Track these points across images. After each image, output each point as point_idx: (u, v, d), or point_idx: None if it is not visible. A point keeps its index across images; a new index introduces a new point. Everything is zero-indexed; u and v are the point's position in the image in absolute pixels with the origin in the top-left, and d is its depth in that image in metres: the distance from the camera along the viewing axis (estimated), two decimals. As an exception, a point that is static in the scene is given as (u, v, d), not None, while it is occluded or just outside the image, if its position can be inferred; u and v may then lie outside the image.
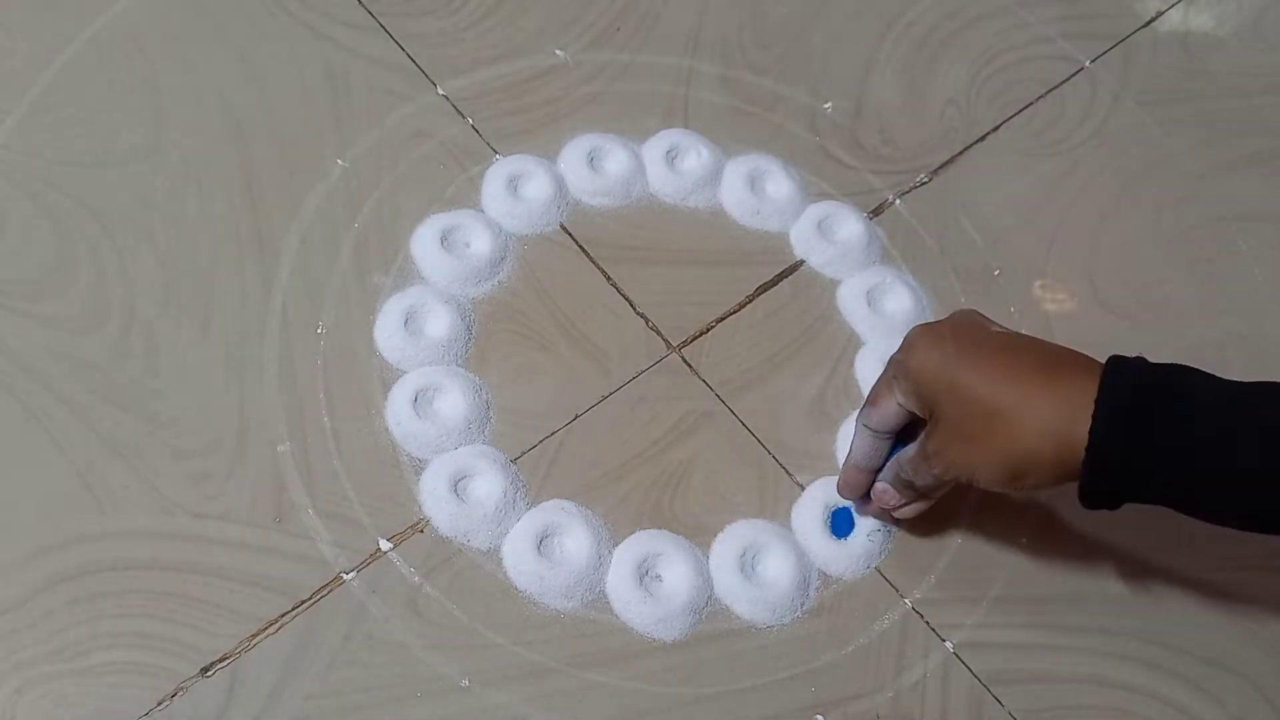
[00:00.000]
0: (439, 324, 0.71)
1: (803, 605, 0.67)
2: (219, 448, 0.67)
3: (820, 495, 0.69)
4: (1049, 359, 0.59)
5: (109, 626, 0.61)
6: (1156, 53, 0.91)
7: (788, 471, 0.71)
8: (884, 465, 0.66)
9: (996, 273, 0.80)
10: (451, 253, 0.74)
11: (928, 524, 0.69)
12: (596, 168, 0.78)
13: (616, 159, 0.79)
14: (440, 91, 0.80)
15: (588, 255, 0.76)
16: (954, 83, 0.87)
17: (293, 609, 0.63)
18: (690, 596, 0.66)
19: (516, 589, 0.65)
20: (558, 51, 0.83)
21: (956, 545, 0.70)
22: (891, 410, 0.63)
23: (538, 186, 0.77)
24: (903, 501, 0.66)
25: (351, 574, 0.64)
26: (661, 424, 0.71)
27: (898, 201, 0.81)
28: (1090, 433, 0.55)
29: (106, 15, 0.79)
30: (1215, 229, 0.84)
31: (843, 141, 0.83)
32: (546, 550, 0.66)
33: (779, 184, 0.80)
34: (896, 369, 0.62)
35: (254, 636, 0.62)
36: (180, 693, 0.60)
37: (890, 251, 0.80)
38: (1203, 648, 0.69)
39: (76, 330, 0.69)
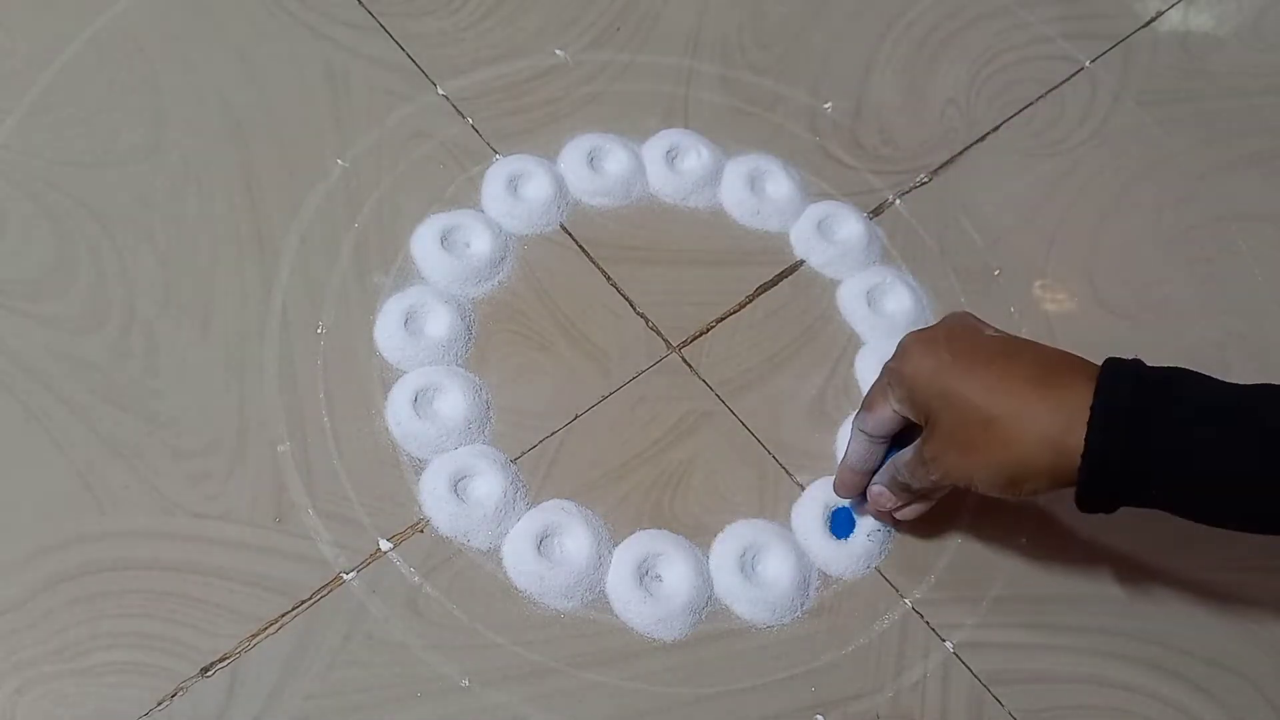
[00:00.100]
0: (439, 324, 0.71)
1: (803, 605, 0.67)
2: (219, 448, 0.67)
3: (820, 495, 0.69)
4: (1044, 364, 0.59)
5: (109, 626, 0.61)
6: (1156, 53, 0.91)
7: (788, 471, 0.71)
8: (879, 468, 0.66)
9: (996, 273, 0.80)
10: (451, 253, 0.74)
11: (927, 524, 0.69)
12: (596, 168, 0.78)
13: (616, 159, 0.79)
14: (440, 91, 0.80)
15: (588, 255, 0.76)
16: (954, 83, 0.87)
17: (293, 609, 0.63)
18: (690, 596, 0.66)
19: (516, 589, 0.65)
20: (558, 51, 0.83)
21: (956, 545, 0.70)
22: (887, 416, 0.63)
23: (538, 186, 0.77)
24: (899, 504, 0.66)
25: (351, 574, 0.64)
26: (661, 424, 0.71)
27: (898, 201, 0.81)
28: (1086, 439, 0.55)
29: (106, 15, 0.79)
30: (1215, 229, 0.84)
31: (843, 141, 0.83)
32: (546, 550, 0.66)
33: (779, 184, 0.80)
34: (891, 376, 0.62)
35: (254, 636, 0.62)
36: (180, 693, 0.60)
37: (890, 251, 0.80)
38: (1203, 648, 0.69)
39: (76, 330, 0.69)
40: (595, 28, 0.85)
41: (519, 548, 0.66)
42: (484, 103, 0.80)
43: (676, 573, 0.67)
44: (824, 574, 0.69)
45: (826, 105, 0.84)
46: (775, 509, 0.70)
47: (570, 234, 0.77)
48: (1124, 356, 0.58)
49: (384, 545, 0.65)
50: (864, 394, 0.66)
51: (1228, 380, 0.57)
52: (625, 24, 0.85)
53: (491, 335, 0.72)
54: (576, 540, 0.66)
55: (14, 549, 0.62)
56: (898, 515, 0.67)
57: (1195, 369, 0.57)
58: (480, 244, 0.74)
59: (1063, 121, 0.87)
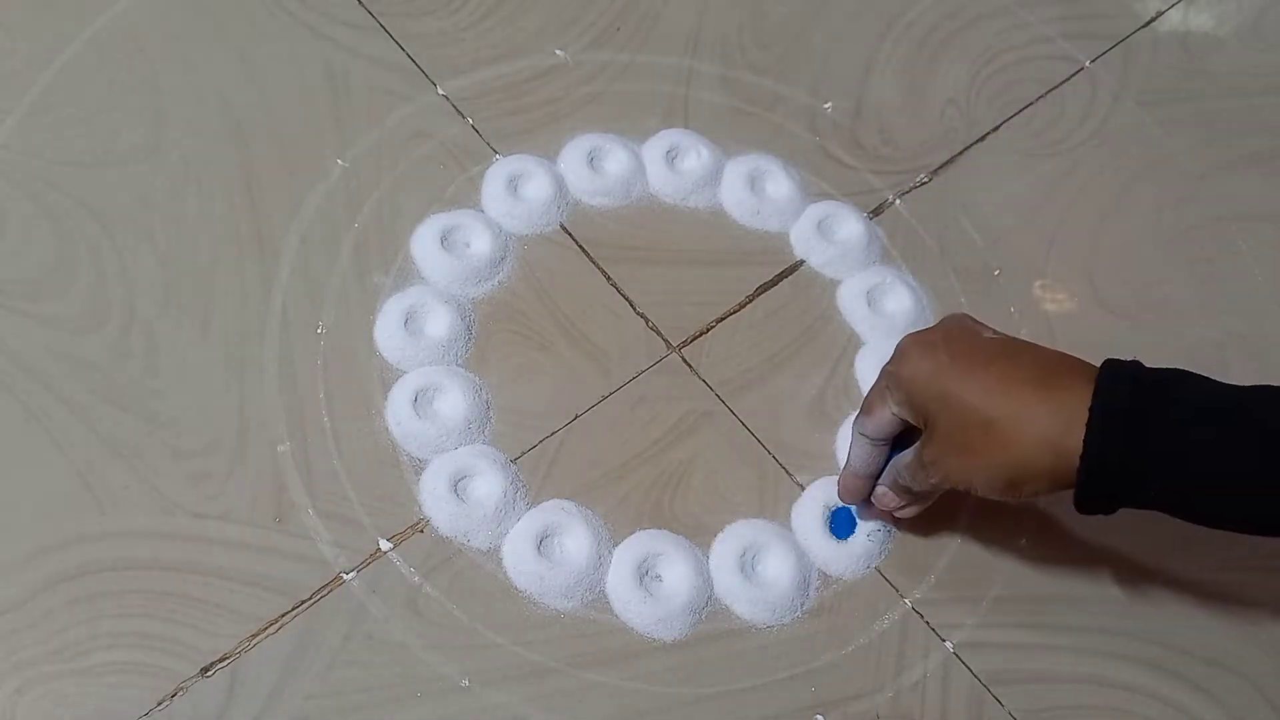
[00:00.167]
0: (439, 324, 0.71)
1: (803, 605, 0.67)
2: (219, 448, 0.67)
3: (820, 495, 0.69)
4: (1043, 366, 0.59)
5: (109, 626, 0.61)
6: (1156, 53, 0.91)
7: (788, 471, 0.71)
8: (883, 470, 0.66)
9: (996, 273, 0.80)
10: (451, 253, 0.74)
11: (928, 524, 0.69)
12: (596, 168, 0.78)
13: (616, 159, 0.79)
14: (440, 91, 0.80)
15: (588, 255, 0.76)
16: (954, 83, 0.87)
17: (293, 609, 0.63)
18: (690, 596, 0.66)
19: (516, 589, 0.65)
20: (558, 51, 0.83)
21: (956, 545, 0.70)
22: (886, 419, 0.63)
23: (538, 186, 0.77)
24: (901, 504, 0.66)
25: (351, 574, 0.64)
26: (661, 424, 0.71)
27: (898, 201, 0.81)
28: (1085, 441, 0.55)
29: (106, 15, 0.79)
30: (1215, 229, 0.84)
31: (843, 141, 0.83)
32: (546, 550, 0.66)
33: (779, 184, 0.80)
34: (889, 379, 0.62)
35: (254, 636, 0.62)
36: (180, 693, 0.60)
37: (890, 251, 0.80)
38: (1203, 648, 0.69)
39: (76, 330, 0.69)
40: (595, 28, 0.85)
41: (519, 548, 0.66)
42: (484, 103, 0.80)
43: (676, 573, 0.67)
44: (824, 574, 0.69)
45: (826, 105, 0.84)
46: (775, 509, 0.70)
47: (570, 234, 0.77)
48: (1124, 356, 0.58)
49: (384, 545, 0.65)
50: (864, 394, 0.66)
51: (1228, 380, 0.57)
52: (625, 24, 0.85)
53: (491, 335, 0.72)
54: (576, 540, 0.66)
55: (14, 549, 0.62)
56: (898, 514, 0.67)
57: (1195, 369, 0.57)
58: (480, 244, 0.74)
59: (1063, 121, 0.87)
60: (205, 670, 0.61)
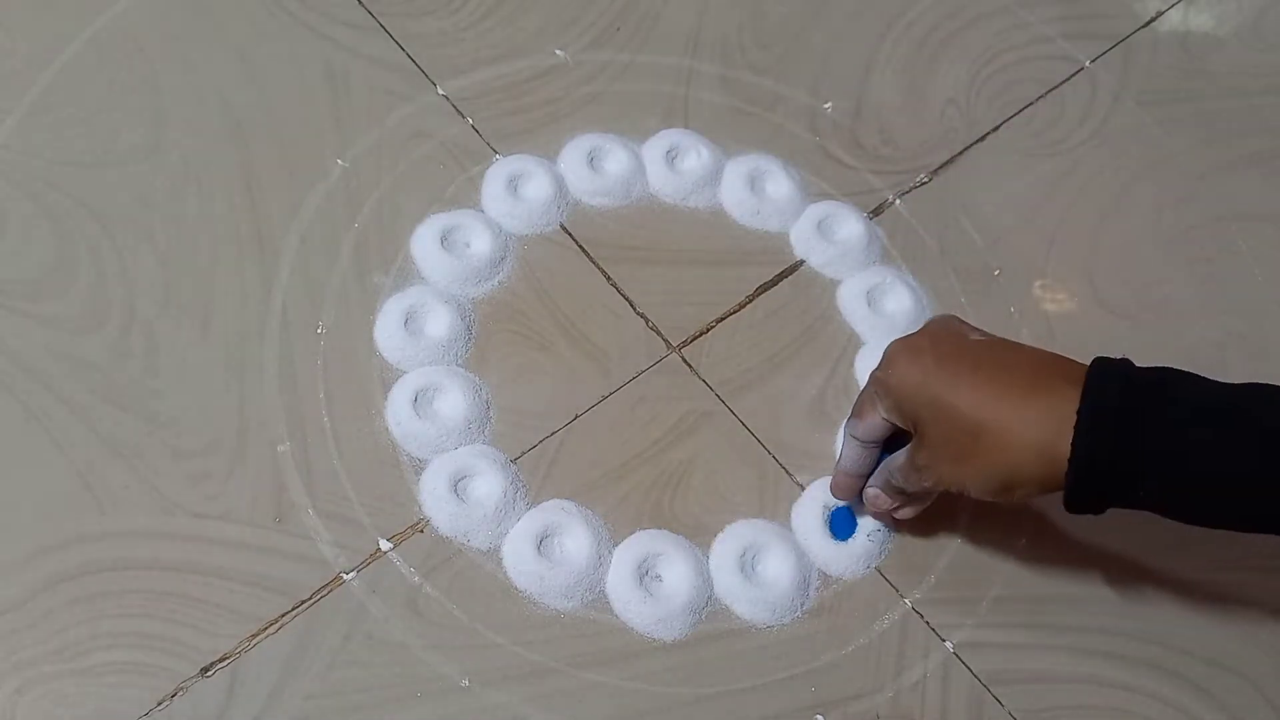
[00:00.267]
0: (439, 324, 0.71)
1: (803, 605, 0.67)
2: (219, 448, 0.67)
3: (820, 495, 0.69)
4: (1031, 369, 0.59)
5: (109, 626, 0.61)
6: (1156, 53, 0.91)
7: (788, 471, 0.71)
8: (874, 470, 0.66)
9: (996, 273, 0.80)
10: (451, 253, 0.74)
11: (927, 524, 0.69)
12: (596, 168, 0.78)
13: (616, 159, 0.79)
14: (440, 91, 0.80)
15: (588, 255, 0.76)
16: (954, 83, 0.87)
17: (293, 609, 0.63)
18: (690, 596, 0.66)
19: (516, 589, 0.65)
20: (558, 51, 0.83)
21: (956, 545, 0.70)
22: (877, 423, 0.63)
23: (538, 186, 0.77)
24: (895, 505, 0.66)
25: (351, 574, 0.64)
26: (661, 424, 0.71)
27: (898, 201, 0.81)
28: (1073, 442, 0.55)
29: (106, 15, 0.79)
30: (1215, 229, 0.84)
31: (843, 141, 0.83)
32: (546, 550, 0.66)
33: (779, 184, 0.80)
34: (877, 386, 0.62)
35: (254, 636, 0.62)
36: (180, 693, 0.60)
37: (890, 251, 0.80)
38: (1203, 648, 0.69)
39: (76, 330, 0.69)
40: (595, 28, 0.85)
41: (519, 548, 0.66)
42: (484, 103, 0.80)
43: (676, 573, 0.67)
44: (824, 574, 0.69)
45: (826, 105, 0.84)
46: (775, 509, 0.70)
47: (570, 234, 0.77)
48: (1123, 356, 0.58)
49: (384, 545, 0.65)
50: (864, 394, 0.66)
51: (1228, 380, 0.57)
52: (625, 24, 0.85)
53: (491, 335, 0.72)
54: (576, 540, 0.66)
55: (14, 549, 0.62)
56: (895, 515, 0.67)
57: (1195, 369, 0.57)
58: (480, 244, 0.74)
59: (1063, 121, 0.87)
60: (205, 670, 0.61)
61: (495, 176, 0.77)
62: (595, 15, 0.85)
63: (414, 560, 0.65)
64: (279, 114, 0.77)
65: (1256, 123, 0.89)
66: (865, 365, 0.74)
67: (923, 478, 0.61)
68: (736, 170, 0.80)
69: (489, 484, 0.67)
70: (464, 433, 0.68)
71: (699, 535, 0.68)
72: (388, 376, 0.70)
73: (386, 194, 0.76)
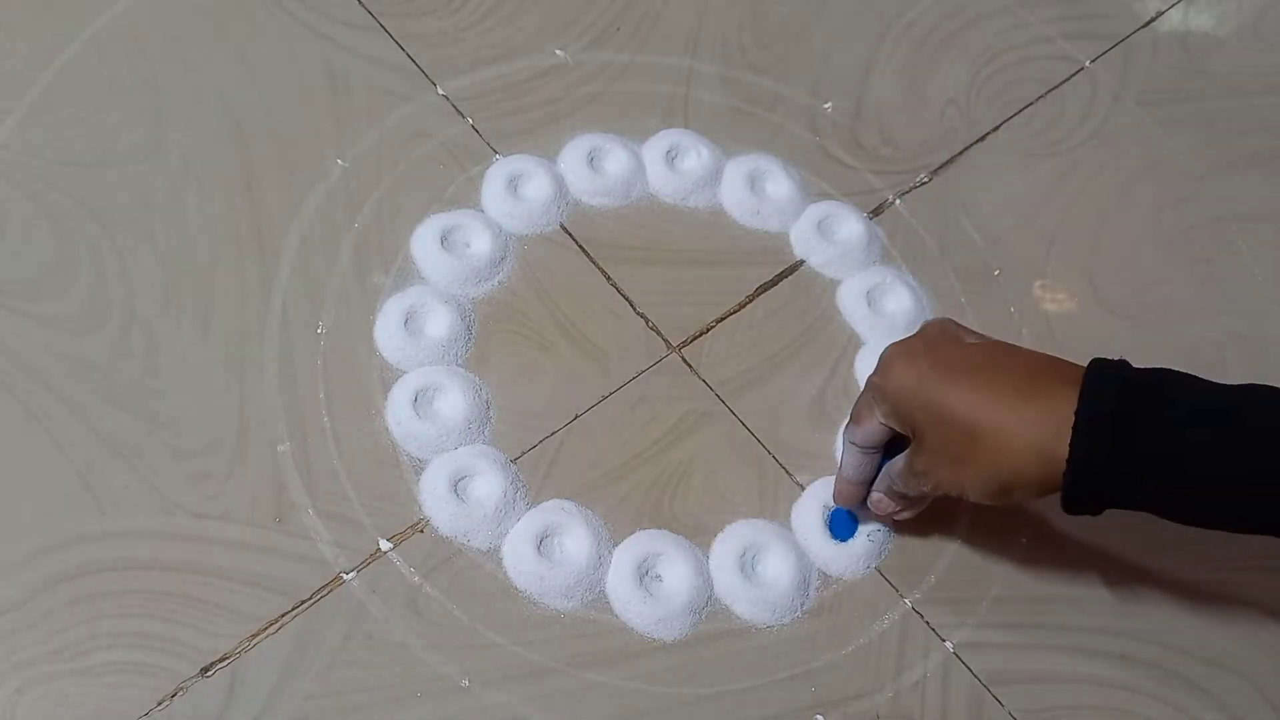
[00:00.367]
0: (439, 324, 0.71)
1: (803, 605, 0.67)
2: (219, 448, 0.67)
3: (820, 495, 0.69)
4: (1027, 372, 0.59)
5: (109, 626, 0.61)
6: (1156, 53, 0.91)
7: (788, 471, 0.71)
8: (876, 475, 0.66)
9: (996, 273, 0.80)
10: (451, 253, 0.74)
11: (928, 525, 0.69)
12: (596, 168, 0.78)
13: (616, 159, 0.79)
14: (440, 91, 0.80)
15: (588, 255, 0.76)
16: (954, 83, 0.87)
17: (293, 609, 0.63)
18: (690, 596, 0.66)
19: (516, 589, 0.65)
20: (558, 51, 0.83)
21: (956, 546, 0.70)
22: (874, 428, 0.63)
23: (538, 186, 0.77)
24: (899, 508, 0.66)
25: (351, 574, 0.64)
26: (661, 424, 0.71)
27: (898, 201, 0.81)
28: (1071, 444, 0.55)
29: (106, 15, 0.79)
30: (1215, 229, 0.84)
31: (843, 141, 0.83)
32: (546, 550, 0.66)
33: (779, 184, 0.80)
34: (874, 391, 0.62)
35: (254, 636, 0.62)
36: (180, 693, 0.60)
37: (890, 251, 0.80)
38: (1203, 648, 0.69)
39: (76, 330, 0.69)
40: (595, 28, 0.85)
41: (519, 548, 0.66)
42: (484, 103, 0.80)
43: (676, 573, 0.67)
44: (824, 574, 0.69)
45: (826, 105, 0.84)
46: (775, 509, 0.70)
47: (570, 234, 0.77)
48: (1121, 356, 0.58)
49: (384, 545, 0.65)
50: (864, 394, 0.66)
51: (1228, 380, 0.57)
52: (625, 24, 0.85)
53: (491, 335, 0.72)
54: (576, 540, 0.66)
55: (14, 549, 0.62)
56: (896, 517, 0.67)
57: (1195, 369, 0.57)
58: (480, 244, 0.74)
59: (1063, 121, 0.87)
60: (205, 670, 0.61)
61: (495, 176, 0.77)
62: (595, 15, 0.85)
63: (414, 560, 0.65)
64: (279, 114, 0.77)
65: (1256, 123, 0.89)
66: (865, 365, 0.74)
67: (921, 482, 0.61)
68: (736, 170, 0.80)
69: (489, 484, 0.67)
70: (464, 433, 0.68)
71: (699, 535, 0.68)
72: (388, 376, 0.70)
73: (386, 194, 0.76)
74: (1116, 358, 0.58)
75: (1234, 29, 0.94)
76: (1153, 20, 0.92)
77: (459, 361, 0.71)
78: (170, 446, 0.66)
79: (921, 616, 0.68)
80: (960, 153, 0.84)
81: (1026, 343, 0.73)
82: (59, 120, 0.75)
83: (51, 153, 0.74)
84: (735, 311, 0.76)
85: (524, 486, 0.68)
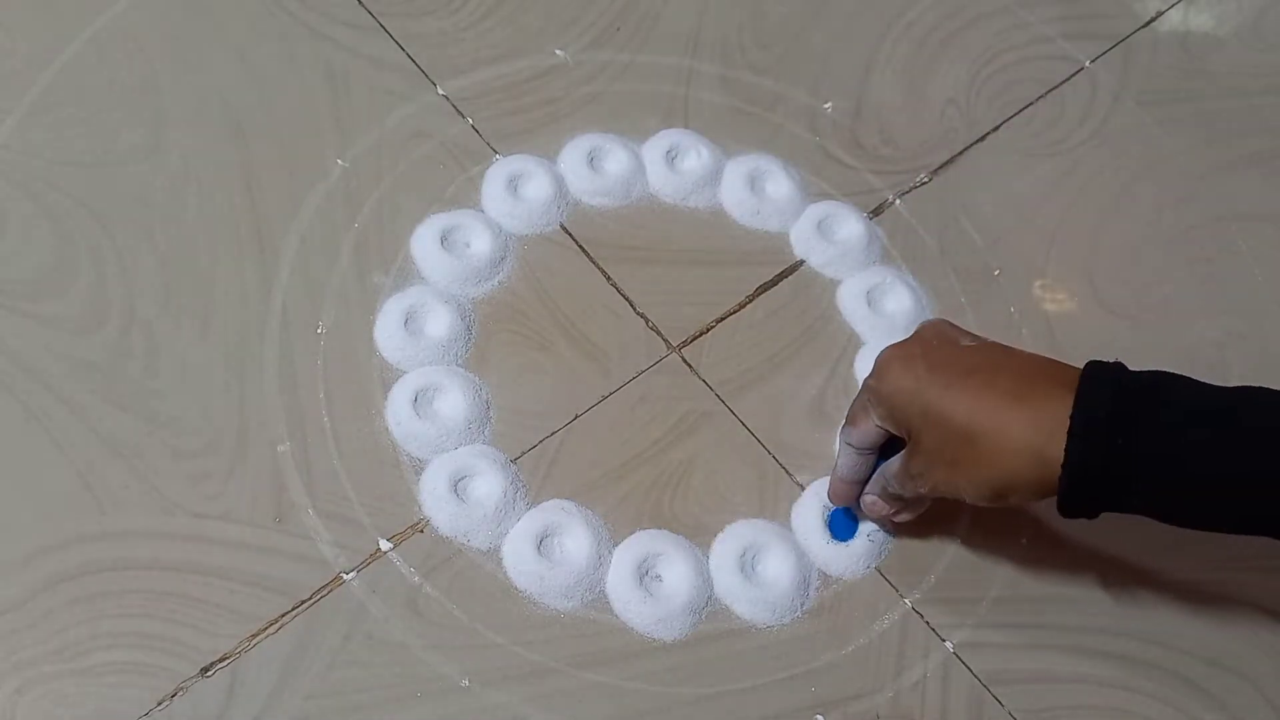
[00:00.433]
0: (439, 324, 0.71)
1: (803, 605, 0.67)
2: (219, 448, 0.67)
3: (820, 495, 0.69)
4: (1023, 376, 0.58)
5: (109, 626, 0.61)
6: (1156, 53, 0.91)
7: (788, 471, 0.71)
8: (871, 475, 0.66)
9: (996, 273, 0.80)
10: (451, 253, 0.74)
11: (928, 525, 0.69)
12: (596, 168, 0.78)
13: (616, 159, 0.79)
14: (440, 91, 0.80)
15: (588, 255, 0.76)
16: (954, 83, 0.87)
17: (293, 609, 0.63)
18: (690, 596, 0.66)
19: (516, 589, 0.65)
20: (558, 51, 0.83)
21: (956, 545, 0.70)
22: (870, 430, 0.63)
23: (538, 186, 0.77)
24: (893, 510, 0.66)
25: (351, 574, 0.64)
26: (661, 424, 0.71)
27: (898, 201, 0.81)
28: (1066, 448, 0.55)
29: (106, 15, 0.79)
30: (1215, 229, 0.84)
31: (843, 141, 0.83)
32: (546, 550, 0.66)
33: (779, 184, 0.80)
34: (870, 394, 0.62)
35: (254, 636, 0.62)
36: (180, 693, 0.60)
37: (890, 251, 0.80)
38: (1203, 648, 0.69)
39: (76, 330, 0.69)
40: (595, 28, 0.85)
41: (519, 548, 0.66)
42: (484, 103, 0.80)
43: (676, 573, 0.67)
44: (824, 574, 0.69)
45: (826, 105, 0.84)
46: (775, 509, 0.70)
47: (570, 234, 0.77)
48: (1125, 357, 0.58)
49: (384, 545, 0.65)
50: (863, 394, 0.66)
51: (1229, 380, 0.57)
52: (625, 24, 0.85)
53: (491, 335, 0.72)
54: (576, 540, 0.66)
55: (14, 549, 0.62)
56: (894, 519, 0.67)
57: (1195, 369, 0.57)
58: (480, 244, 0.74)
59: (1063, 121, 0.87)
60: (205, 670, 0.61)
61: (495, 176, 0.77)
62: (595, 15, 0.85)
63: (414, 560, 0.65)
64: (279, 114, 0.77)
65: (1256, 123, 0.89)
66: (865, 365, 0.74)
67: (918, 484, 0.61)
68: (736, 170, 0.80)
69: (489, 484, 0.67)
70: (464, 433, 0.68)
71: (699, 535, 0.68)
72: (388, 376, 0.70)
73: (386, 194, 0.76)
74: (1114, 359, 0.58)
75: (1234, 29, 0.94)
76: (1153, 20, 0.92)
77: (459, 361, 0.71)
78: (170, 446, 0.66)
79: (921, 616, 0.68)
80: (960, 153, 0.84)
81: (1026, 343, 0.74)
82: (59, 120, 0.75)
83: (51, 153, 0.74)
84: (735, 311, 0.76)
85: (524, 486, 0.68)
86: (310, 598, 0.63)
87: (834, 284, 0.78)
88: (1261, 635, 0.70)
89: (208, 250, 0.72)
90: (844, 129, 0.84)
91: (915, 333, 0.64)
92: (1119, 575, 0.70)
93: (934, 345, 0.61)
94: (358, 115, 0.78)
